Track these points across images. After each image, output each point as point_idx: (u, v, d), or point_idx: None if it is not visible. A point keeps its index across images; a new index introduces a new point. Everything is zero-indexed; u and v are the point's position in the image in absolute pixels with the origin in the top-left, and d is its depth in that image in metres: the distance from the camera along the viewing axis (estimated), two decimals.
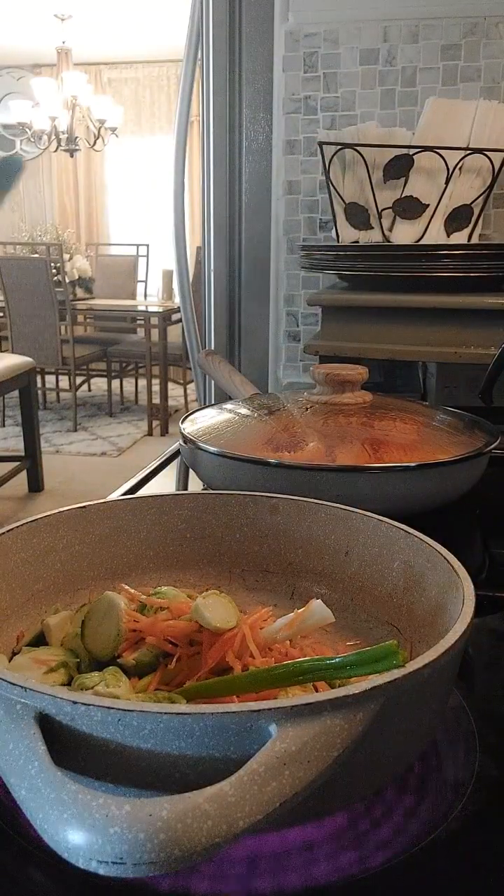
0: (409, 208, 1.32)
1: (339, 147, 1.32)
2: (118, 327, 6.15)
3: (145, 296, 6.60)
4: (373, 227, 1.36)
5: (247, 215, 1.75)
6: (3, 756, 0.33)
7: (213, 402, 1.33)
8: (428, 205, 1.31)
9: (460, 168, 1.29)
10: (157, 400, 5.61)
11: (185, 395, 6.16)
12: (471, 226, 1.34)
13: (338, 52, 1.57)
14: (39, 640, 0.52)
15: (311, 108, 1.59)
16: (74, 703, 0.34)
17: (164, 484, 0.92)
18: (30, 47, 6.11)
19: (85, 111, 5.51)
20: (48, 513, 0.56)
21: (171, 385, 5.87)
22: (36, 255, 5.53)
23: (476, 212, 1.34)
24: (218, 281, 1.79)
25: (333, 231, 1.43)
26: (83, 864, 0.28)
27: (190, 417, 0.90)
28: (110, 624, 0.49)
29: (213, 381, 1.61)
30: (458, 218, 1.33)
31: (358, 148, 1.29)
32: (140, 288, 6.55)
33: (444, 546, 0.51)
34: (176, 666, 0.47)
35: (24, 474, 4.14)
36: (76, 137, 5.55)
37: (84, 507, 0.58)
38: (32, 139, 5.61)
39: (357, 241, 1.39)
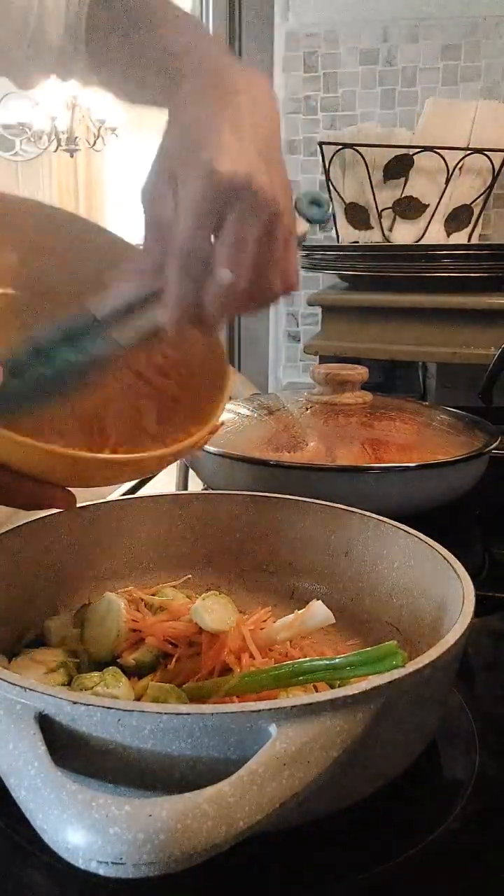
0: (409, 208, 1.32)
1: (339, 147, 1.32)
2: None
3: None
4: (373, 227, 1.36)
5: None
6: (3, 756, 0.33)
7: None
8: (428, 205, 1.31)
9: (460, 168, 1.29)
10: None
11: None
12: (471, 226, 1.34)
13: (338, 53, 1.57)
14: (39, 641, 0.52)
15: (311, 109, 1.60)
16: (74, 703, 0.34)
17: (164, 484, 0.92)
18: None
19: (85, 111, 5.50)
20: (48, 513, 0.56)
21: None
22: None
23: (476, 212, 1.34)
24: None
25: (333, 231, 1.43)
26: (83, 865, 0.28)
27: None
28: (110, 624, 0.49)
29: None
30: (458, 218, 1.33)
31: (358, 148, 1.29)
32: None
33: (444, 546, 0.51)
34: (176, 666, 0.47)
35: None
36: (76, 137, 5.54)
37: (84, 507, 0.58)
38: (32, 139, 5.60)
39: (357, 241, 1.39)
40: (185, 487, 0.93)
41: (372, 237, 1.37)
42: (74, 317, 0.48)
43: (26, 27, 0.66)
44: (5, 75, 0.70)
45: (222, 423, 0.49)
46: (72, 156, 5.80)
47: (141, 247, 0.50)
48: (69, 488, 0.45)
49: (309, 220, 0.47)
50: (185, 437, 0.47)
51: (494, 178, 1.31)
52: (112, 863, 0.28)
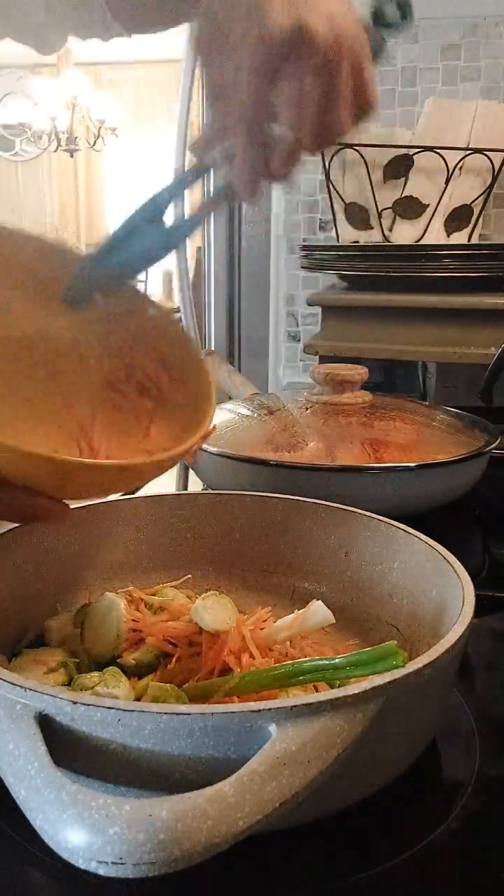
0: (409, 208, 1.32)
1: (339, 147, 1.32)
2: None
3: None
4: (373, 227, 1.36)
5: (246, 215, 1.75)
6: (3, 756, 0.33)
7: None
8: (428, 205, 1.31)
9: (460, 168, 1.29)
10: None
11: None
12: (471, 226, 1.34)
13: None
14: (39, 641, 0.52)
15: None
16: (74, 703, 0.34)
17: (164, 484, 0.92)
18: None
19: (85, 111, 5.50)
20: None
21: None
22: None
23: (476, 212, 1.34)
24: (218, 281, 1.79)
25: (333, 231, 1.43)
26: (83, 865, 0.28)
27: None
28: (110, 624, 0.49)
29: None
30: (458, 218, 1.33)
31: (358, 148, 1.29)
32: (140, 288, 6.52)
33: (444, 546, 0.51)
34: (176, 666, 0.47)
35: None
36: (76, 137, 5.54)
37: (84, 506, 0.58)
38: (32, 139, 5.60)
39: (357, 241, 1.39)
40: (185, 487, 0.93)
41: (372, 237, 1.37)
42: (155, 195, 0.51)
43: None
44: (25, 42, 0.69)
45: (214, 428, 0.49)
46: (72, 156, 5.80)
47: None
48: (64, 500, 0.45)
49: (388, 25, 0.43)
50: (174, 446, 0.47)
51: (494, 178, 1.31)
52: (112, 863, 0.28)
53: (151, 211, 0.51)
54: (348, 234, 1.40)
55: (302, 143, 0.45)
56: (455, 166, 1.27)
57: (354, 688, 0.34)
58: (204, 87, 0.48)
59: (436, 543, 0.51)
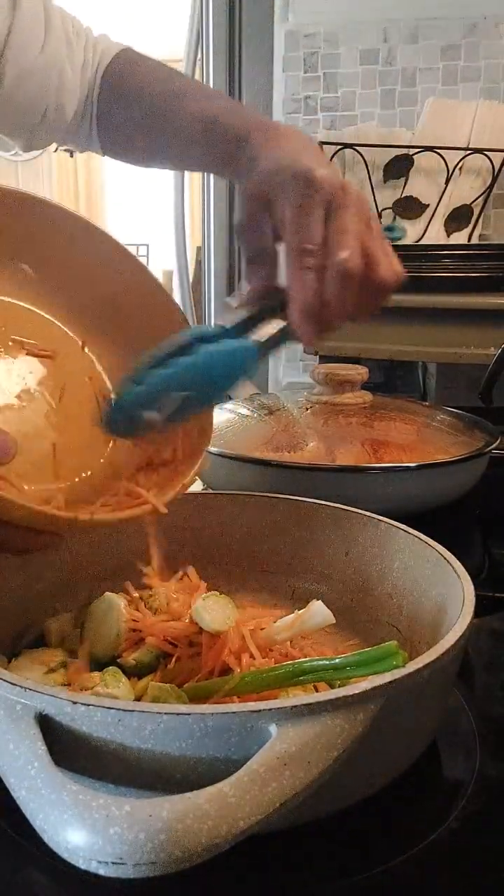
0: (409, 208, 1.32)
1: (340, 147, 1.32)
2: None
3: None
4: None
5: None
6: (3, 756, 0.33)
7: None
8: (428, 205, 1.31)
9: (460, 168, 1.29)
10: None
11: None
12: (471, 226, 1.34)
13: (338, 53, 1.57)
14: (39, 641, 0.52)
15: (311, 109, 1.59)
16: (74, 703, 0.34)
17: None
18: None
19: None
20: None
21: None
22: None
23: (476, 212, 1.34)
24: (218, 281, 1.79)
25: None
26: (83, 865, 0.28)
27: None
28: (110, 624, 0.49)
29: None
30: (458, 218, 1.33)
31: (358, 148, 1.29)
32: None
33: (444, 546, 0.51)
34: (176, 666, 0.47)
35: None
36: None
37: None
38: None
39: None
40: None
41: None
42: (199, 327, 0.50)
43: (42, 101, 0.70)
44: (13, 140, 0.74)
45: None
46: (72, 156, 5.81)
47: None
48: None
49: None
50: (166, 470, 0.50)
51: (494, 178, 1.30)
52: (112, 863, 0.28)
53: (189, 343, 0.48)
54: None
55: (353, 271, 0.47)
56: (455, 166, 1.27)
57: (354, 688, 0.34)
58: (243, 255, 0.53)
59: (436, 543, 0.51)
